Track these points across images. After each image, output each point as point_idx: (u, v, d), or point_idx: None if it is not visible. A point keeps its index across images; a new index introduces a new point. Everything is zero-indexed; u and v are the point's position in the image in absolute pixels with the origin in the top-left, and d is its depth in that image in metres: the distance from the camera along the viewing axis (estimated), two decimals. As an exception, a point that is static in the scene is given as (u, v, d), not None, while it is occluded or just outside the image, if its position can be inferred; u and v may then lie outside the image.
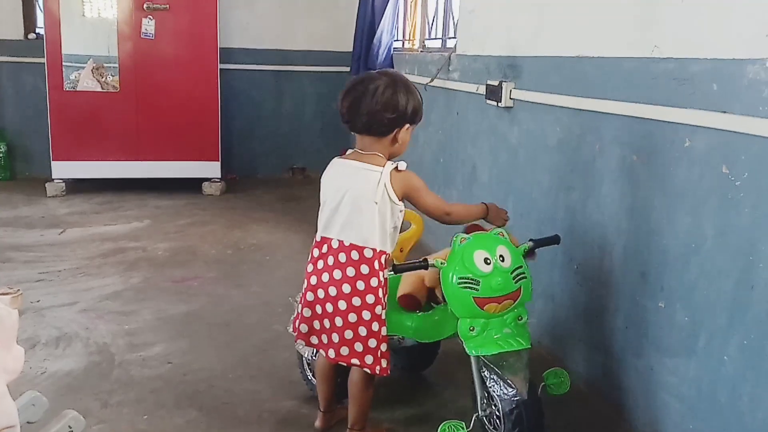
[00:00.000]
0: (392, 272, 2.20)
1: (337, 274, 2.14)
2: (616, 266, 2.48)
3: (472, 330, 2.16)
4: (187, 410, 2.51)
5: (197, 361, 2.88)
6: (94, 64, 5.56)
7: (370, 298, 2.13)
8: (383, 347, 2.19)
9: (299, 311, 2.25)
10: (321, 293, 2.17)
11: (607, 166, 2.53)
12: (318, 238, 2.21)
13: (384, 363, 2.20)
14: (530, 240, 2.33)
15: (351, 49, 5.65)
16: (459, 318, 2.18)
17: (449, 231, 2.41)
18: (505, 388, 2.11)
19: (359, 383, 2.25)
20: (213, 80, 5.76)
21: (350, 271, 2.13)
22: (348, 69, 5.86)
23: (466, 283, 2.13)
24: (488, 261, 2.14)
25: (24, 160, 6.25)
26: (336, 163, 2.23)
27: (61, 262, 4.06)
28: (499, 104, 3.26)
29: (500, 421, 2.18)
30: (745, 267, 1.88)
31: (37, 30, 6.13)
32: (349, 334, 2.15)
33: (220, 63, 5.77)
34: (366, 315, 2.14)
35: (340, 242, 2.14)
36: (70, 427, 2.09)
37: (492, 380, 2.16)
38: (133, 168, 5.77)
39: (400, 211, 2.18)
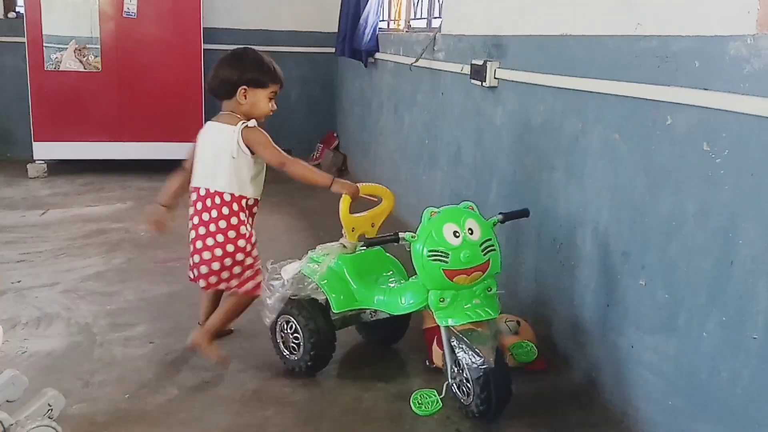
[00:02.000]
0: (364, 246, 2.27)
1: (205, 216, 2.55)
2: (599, 245, 2.48)
3: (443, 301, 2.23)
4: (169, 389, 2.50)
5: (180, 341, 2.86)
6: (77, 45, 5.49)
7: (231, 234, 2.54)
8: (249, 272, 2.60)
9: (192, 261, 2.61)
10: (194, 233, 2.57)
11: (589, 146, 2.53)
12: (191, 188, 2.61)
13: (251, 285, 2.61)
14: (500, 213, 2.39)
15: (336, 30, 5.62)
16: (430, 290, 2.23)
17: (421, 206, 2.44)
18: (473, 357, 2.19)
19: (233, 301, 2.67)
20: (196, 60, 5.70)
21: (214, 213, 2.54)
22: (333, 50, 5.83)
23: (435, 255, 2.18)
24: (457, 234, 2.19)
25: (5, 141, 6.17)
26: (207, 125, 2.64)
27: (43, 243, 4.02)
28: (484, 84, 3.25)
29: (470, 389, 2.23)
30: (724, 244, 1.89)
31: (17, 9, 6.04)
32: (216, 265, 2.55)
33: (203, 43, 5.71)
34: (229, 248, 2.54)
35: (206, 190, 2.56)
36: (49, 406, 2.08)
37: (461, 349, 2.23)
38: (116, 149, 5.72)
39: (255, 162, 2.55)
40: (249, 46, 2.67)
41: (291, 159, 2.58)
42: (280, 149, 2.57)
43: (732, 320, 1.87)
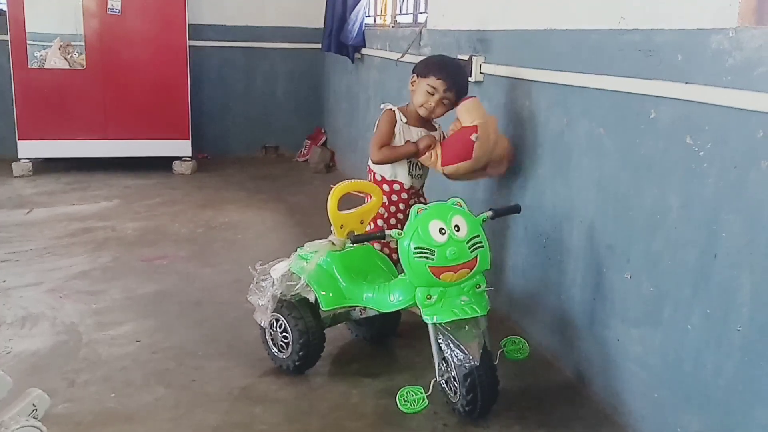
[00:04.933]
0: (351, 243, 2.27)
1: None
2: (584, 239, 2.49)
3: (430, 298, 2.22)
4: (156, 388, 2.48)
5: (167, 339, 2.86)
6: (61, 43, 5.45)
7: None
8: None
9: None
10: None
11: (575, 140, 2.53)
12: None
13: None
14: (490, 209, 2.38)
15: (322, 26, 5.60)
16: (417, 287, 2.23)
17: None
18: (460, 354, 2.19)
19: None
20: (182, 57, 5.67)
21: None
22: (319, 46, 5.81)
23: (421, 253, 2.18)
24: (443, 231, 2.19)
25: (-11, 140, 6.12)
26: None
27: (28, 242, 3.99)
28: (470, 79, 3.24)
29: (456, 387, 2.24)
30: (708, 237, 1.90)
31: (0, 6, 5.98)
32: None
33: (189, 39, 5.68)
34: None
35: None
36: (34, 406, 2.06)
37: (448, 346, 2.23)
38: (102, 147, 5.68)
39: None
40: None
41: (373, 151, 2.82)
42: (380, 139, 2.79)
43: (716, 313, 1.88)
